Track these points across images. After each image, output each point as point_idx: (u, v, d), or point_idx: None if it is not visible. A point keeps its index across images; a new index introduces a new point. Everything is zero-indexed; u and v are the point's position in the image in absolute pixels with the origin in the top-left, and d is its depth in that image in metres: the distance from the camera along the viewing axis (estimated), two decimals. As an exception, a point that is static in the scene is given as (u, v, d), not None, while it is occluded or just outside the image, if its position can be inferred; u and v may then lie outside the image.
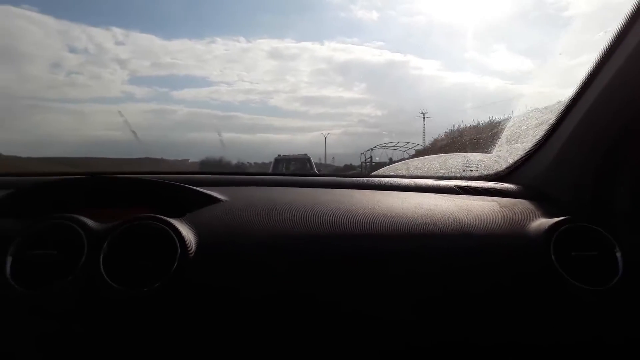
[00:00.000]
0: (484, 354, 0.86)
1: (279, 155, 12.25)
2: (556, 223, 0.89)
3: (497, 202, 1.01)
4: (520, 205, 1.00)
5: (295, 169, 11.45)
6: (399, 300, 0.85)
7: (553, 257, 0.85)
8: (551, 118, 1.04)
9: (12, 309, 0.76)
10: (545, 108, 1.08)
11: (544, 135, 1.07)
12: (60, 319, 0.77)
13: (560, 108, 1.00)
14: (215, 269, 0.81)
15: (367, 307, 0.84)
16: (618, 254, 0.85)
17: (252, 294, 0.82)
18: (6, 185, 1.00)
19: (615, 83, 0.86)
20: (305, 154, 12.53)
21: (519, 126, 1.20)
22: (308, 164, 11.77)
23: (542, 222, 0.92)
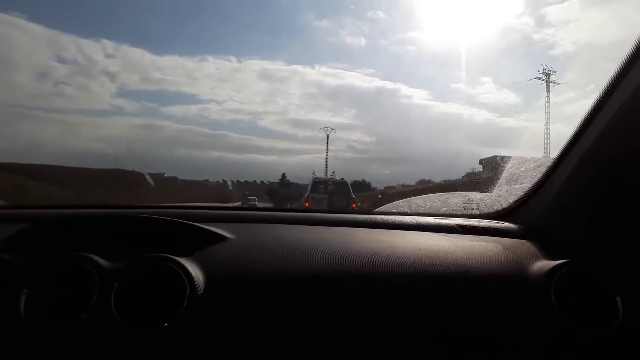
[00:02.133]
0: None
1: (316, 177, 12.29)
2: (556, 266, 0.90)
3: (498, 242, 1.03)
4: (521, 246, 1.02)
5: (332, 191, 11.44)
6: (402, 341, 0.85)
7: (553, 300, 0.86)
8: (549, 161, 1.07)
9: (25, 346, 0.77)
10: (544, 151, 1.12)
11: (543, 176, 1.10)
12: (73, 356, 0.78)
13: (557, 152, 1.04)
14: (224, 309, 0.83)
15: (373, 348, 0.84)
16: (618, 298, 0.86)
17: (259, 334, 0.83)
18: (22, 219, 1.03)
19: (611, 128, 0.91)
20: (343, 178, 12.63)
21: (517, 168, 1.24)
22: (345, 188, 11.79)
23: (542, 265, 0.93)
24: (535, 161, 1.15)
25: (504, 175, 1.30)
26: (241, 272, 0.88)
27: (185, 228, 0.98)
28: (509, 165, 1.29)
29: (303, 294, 0.86)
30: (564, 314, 0.85)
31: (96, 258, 0.84)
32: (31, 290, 0.79)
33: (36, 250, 0.87)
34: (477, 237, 1.07)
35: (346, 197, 11.05)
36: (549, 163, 1.07)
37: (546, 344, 0.86)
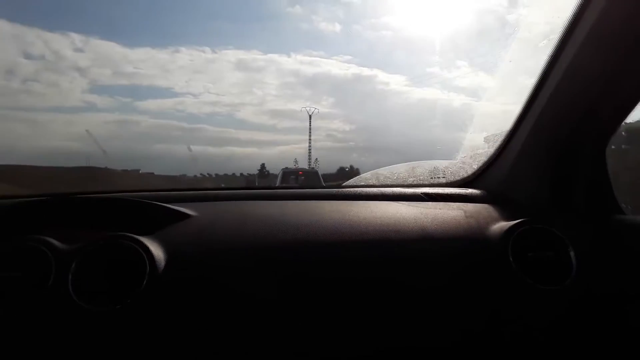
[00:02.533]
0: (444, 352, 0.89)
1: (286, 168, 12.12)
2: (514, 225, 0.93)
3: (462, 208, 1.05)
4: (483, 210, 1.04)
5: (302, 182, 11.23)
6: (364, 305, 0.86)
7: (511, 258, 0.88)
8: (507, 126, 1.08)
9: None
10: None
11: (503, 141, 1.12)
12: (30, 339, 0.76)
13: (514, 115, 1.04)
14: (185, 286, 0.81)
15: (334, 314, 0.85)
16: (572, 254, 0.89)
17: (221, 312, 0.82)
18: None
19: (561, 89, 0.91)
20: (313, 168, 12.38)
21: (479, 132, 1.24)
22: (316, 178, 11.57)
23: (501, 225, 0.95)
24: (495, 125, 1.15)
25: (467, 139, 1.31)
26: (204, 248, 0.86)
27: (148, 207, 0.96)
28: (471, 129, 1.29)
29: (267, 268, 0.85)
30: (521, 271, 0.87)
31: (50, 239, 0.81)
32: None
33: None
34: (442, 204, 1.08)
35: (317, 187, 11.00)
36: (508, 127, 1.08)
37: (505, 300, 0.88)
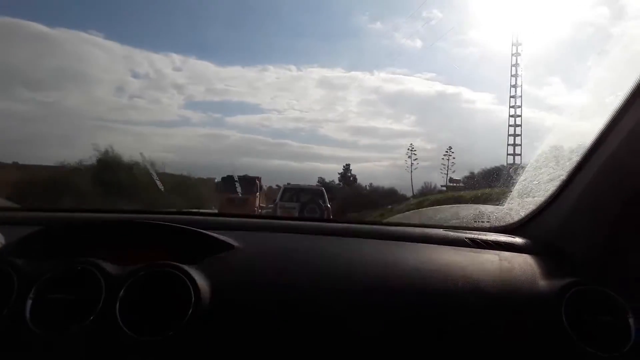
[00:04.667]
0: None
1: (288, 184, 11.86)
2: (567, 284, 0.88)
3: (508, 257, 1.01)
4: (532, 261, 1.00)
5: (304, 200, 10.84)
6: (411, 356, 0.83)
7: (564, 319, 0.84)
8: (562, 174, 1.06)
9: (29, 351, 0.77)
10: (557, 164, 1.10)
11: (556, 190, 1.08)
12: None
13: (571, 165, 1.02)
14: (229, 318, 0.82)
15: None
16: (631, 320, 0.84)
17: (263, 345, 0.82)
18: (32, 222, 1.04)
19: (625, 143, 0.89)
20: (319, 185, 12.10)
21: (530, 181, 1.21)
22: (320, 197, 11.11)
23: (553, 282, 0.91)
24: (548, 174, 1.12)
25: (517, 187, 1.28)
26: (247, 281, 0.87)
27: (191, 235, 0.98)
28: (521, 178, 1.27)
29: (308, 306, 0.85)
30: (575, 335, 0.82)
31: (103, 264, 0.84)
32: (37, 295, 0.79)
33: (44, 254, 0.88)
34: (487, 251, 1.05)
35: (319, 207, 10.33)
36: (563, 177, 1.05)
37: None
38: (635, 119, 0.85)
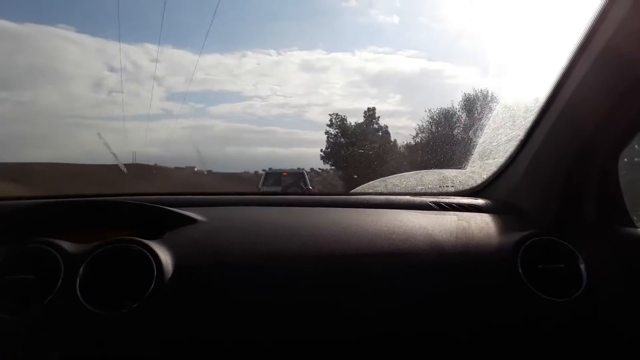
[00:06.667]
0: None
1: (270, 169, 11.86)
2: (523, 237, 0.92)
3: (471, 218, 1.04)
4: (492, 220, 1.03)
5: (286, 183, 11.02)
6: (371, 315, 0.85)
7: (520, 270, 0.88)
8: (519, 134, 1.08)
9: None
10: (514, 124, 1.12)
11: (514, 151, 1.11)
12: (38, 342, 0.76)
13: (527, 125, 1.04)
14: (191, 291, 0.81)
15: (340, 323, 0.84)
16: (582, 266, 0.88)
17: (227, 317, 0.81)
18: None
19: (575, 100, 0.91)
20: (299, 168, 12.16)
21: (489, 142, 1.24)
22: (301, 180, 11.29)
23: (510, 236, 0.95)
24: (506, 135, 1.15)
25: (477, 150, 1.31)
26: (211, 254, 0.87)
27: (156, 212, 0.96)
28: (481, 140, 1.29)
29: (273, 275, 0.85)
30: (530, 283, 0.86)
31: (60, 242, 0.82)
32: None
33: (1, 238, 0.84)
34: (451, 213, 1.07)
35: (301, 188, 10.60)
36: (520, 136, 1.07)
37: (514, 312, 0.88)
38: (581, 76, 0.87)
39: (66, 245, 0.82)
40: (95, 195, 1.19)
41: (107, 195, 1.19)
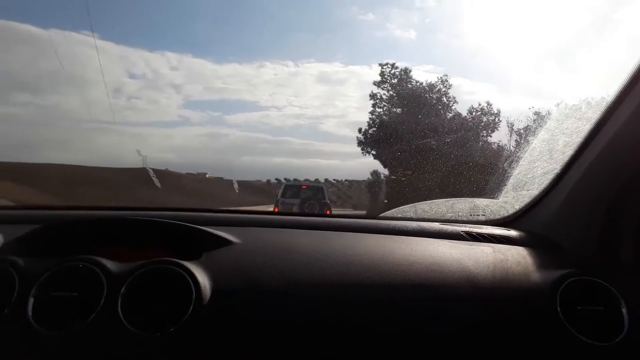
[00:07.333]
0: None
1: (288, 181, 11.86)
2: (563, 275, 0.90)
3: (504, 250, 1.03)
4: (527, 254, 1.01)
5: (304, 197, 10.97)
6: (407, 347, 0.85)
7: (559, 310, 0.86)
8: (556, 168, 1.07)
9: (32, 349, 0.78)
10: (551, 158, 1.11)
11: (549, 184, 1.10)
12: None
13: (564, 159, 1.03)
14: (227, 315, 0.83)
15: (375, 355, 0.84)
16: (624, 310, 0.85)
17: (264, 341, 0.83)
18: (31, 220, 1.04)
19: (619, 137, 0.90)
20: (319, 182, 12.14)
21: (524, 174, 1.23)
22: (320, 194, 11.29)
23: (548, 273, 0.93)
24: (542, 168, 1.14)
25: (511, 181, 1.30)
26: (247, 277, 0.88)
27: (188, 231, 0.99)
28: (516, 172, 1.28)
29: (307, 301, 0.86)
30: (569, 324, 0.84)
31: (104, 261, 0.84)
32: (39, 293, 0.80)
33: (43, 252, 0.88)
34: (483, 244, 1.06)
35: (319, 203, 10.59)
36: (557, 170, 1.06)
37: (551, 353, 0.85)
38: (628, 114, 0.86)
39: (109, 264, 0.84)
40: (129, 209, 1.24)
41: (134, 208, 1.23)
